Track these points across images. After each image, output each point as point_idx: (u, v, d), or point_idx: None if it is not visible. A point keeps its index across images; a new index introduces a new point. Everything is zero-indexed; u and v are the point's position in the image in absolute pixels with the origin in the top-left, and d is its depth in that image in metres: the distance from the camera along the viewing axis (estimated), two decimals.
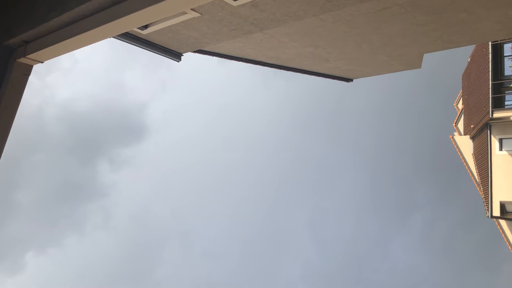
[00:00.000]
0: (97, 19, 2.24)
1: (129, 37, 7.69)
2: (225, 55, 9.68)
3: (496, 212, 20.06)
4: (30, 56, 2.64)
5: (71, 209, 71.00)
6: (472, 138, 23.62)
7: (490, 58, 20.44)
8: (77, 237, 69.94)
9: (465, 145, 24.37)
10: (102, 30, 2.25)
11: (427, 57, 10.29)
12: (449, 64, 53.91)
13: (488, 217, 20.41)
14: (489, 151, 20.50)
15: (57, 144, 67.83)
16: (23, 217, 65.48)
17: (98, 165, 72.61)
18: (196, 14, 6.72)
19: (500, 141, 20.47)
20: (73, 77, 73.27)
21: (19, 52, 2.66)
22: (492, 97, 19.95)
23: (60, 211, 69.97)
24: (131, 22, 2.14)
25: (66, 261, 68.92)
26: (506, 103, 20.55)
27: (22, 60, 2.67)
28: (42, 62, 2.70)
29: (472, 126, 23.01)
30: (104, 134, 72.79)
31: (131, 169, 75.34)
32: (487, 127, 20.86)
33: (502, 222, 21.60)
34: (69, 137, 69.20)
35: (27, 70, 2.69)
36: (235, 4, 6.28)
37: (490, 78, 20.22)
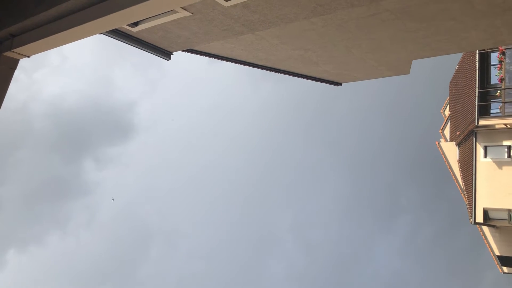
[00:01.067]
0: (86, 15, 2.22)
1: (119, 34, 7.63)
2: (215, 55, 9.67)
3: (479, 218, 20.34)
4: (16, 50, 2.60)
5: (54, 206, 70.11)
6: (458, 144, 23.92)
7: (477, 66, 20.73)
8: (60, 235, 69.11)
9: (451, 151, 24.67)
10: (90, 26, 2.22)
11: (416, 64, 10.41)
12: (437, 71, 54.57)
13: (471, 223, 20.67)
14: (474, 158, 20.78)
15: (42, 141, 66.96)
16: (5, 213, 64.45)
17: (83, 163, 71.91)
18: (187, 13, 6.70)
19: (485, 148, 20.76)
20: (61, 74, 72.49)
21: (5, 46, 2.62)
22: (478, 104, 20.23)
23: (43, 208, 69.06)
24: (120, 18, 2.12)
25: (48, 259, 68.04)
26: (492, 111, 20.86)
27: (8, 54, 2.63)
28: (29, 57, 2.66)
29: (458, 133, 23.31)
30: (90, 131, 72.09)
31: (116, 167, 74.75)
32: (472, 134, 21.14)
33: (485, 229, 21.90)
34: (55, 133, 68.38)
35: (13, 64, 2.65)
36: (226, 4, 6.27)
37: (477, 86, 20.50)
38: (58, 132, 68.65)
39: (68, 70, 72.90)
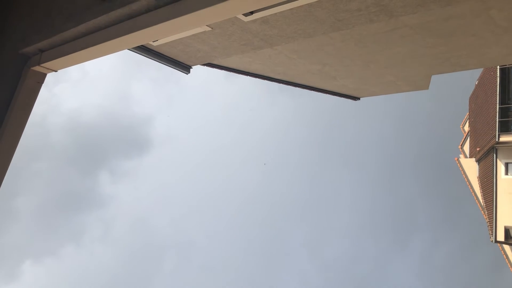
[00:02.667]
0: (113, 32, 2.28)
1: (140, 48, 7.77)
2: (233, 69, 9.76)
3: (501, 237, 19.85)
4: (44, 64, 2.68)
5: (69, 219, 70.77)
6: (478, 161, 23.50)
7: (498, 81, 20.45)
8: (75, 247, 69.57)
9: (471, 168, 24.23)
10: (117, 42, 2.29)
11: (435, 79, 10.33)
12: (456, 86, 53.96)
13: (492, 241, 20.18)
14: (494, 175, 20.37)
15: (59, 153, 67.94)
16: (21, 225, 65.24)
17: (99, 176, 72.67)
18: (207, 28, 6.80)
19: (506, 165, 20.35)
20: (80, 87, 73.84)
21: (33, 60, 2.71)
22: (499, 120, 19.90)
23: (59, 220, 69.72)
24: (146, 36, 2.18)
25: (63, 271, 68.35)
26: None
27: (37, 68, 2.71)
28: (56, 71, 2.74)
29: (478, 149, 22.92)
30: (107, 145, 72.99)
31: (132, 181, 75.32)
32: (493, 150, 20.76)
33: (506, 248, 21.35)
34: (72, 146, 69.37)
35: (41, 78, 2.73)
36: (246, 19, 6.35)
37: (498, 102, 20.19)
38: (75, 145, 69.69)
39: (87, 83, 74.31)
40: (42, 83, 2.74)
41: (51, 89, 67.96)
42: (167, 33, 2.10)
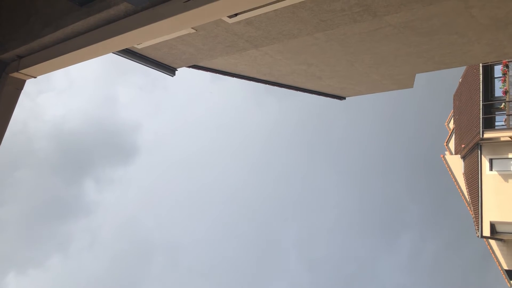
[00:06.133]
0: (92, 37, 2.23)
1: (123, 51, 7.70)
2: (219, 70, 9.74)
3: (486, 232, 20.13)
4: (23, 71, 2.62)
5: (54, 227, 69.55)
6: (463, 157, 23.80)
7: (481, 79, 20.75)
8: (61, 256, 68.39)
9: (456, 164, 24.54)
10: (96, 47, 2.24)
11: (419, 77, 10.43)
12: (440, 84, 54.61)
13: (478, 237, 20.46)
14: (479, 171, 20.66)
15: (43, 161, 66.78)
16: (4, 235, 63.83)
17: (84, 184, 71.70)
18: (191, 30, 6.77)
19: (491, 161, 20.65)
20: (65, 93, 72.89)
21: (12, 67, 2.64)
22: (482, 117, 20.18)
23: (44, 229, 68.44)
24: (126, 40, 2.14)
25: (48, 281, 66.94)
26: (497, 123, 20.80)
27: (15, 74, 2.65)
28: (35, 77, 2.68)
29: (463, 145, 23.21)
30: (92, 152, 72.05)
31: (118, 188, 74.56)
32: (477, 147, 21.05)
33: (492, 242, 21.65)
34: (57, 154, 68.29)
35: (20, 84, 2.67)
36: (230, 21, 6.33)
37: (481, 99, 20.48)
38: (60, 153, 68.64)
39: (71, 90, 73.39)
40: (21, 89, 2.68)
41: (34, 98, 66.89)
42: (148, 37, 2.06)
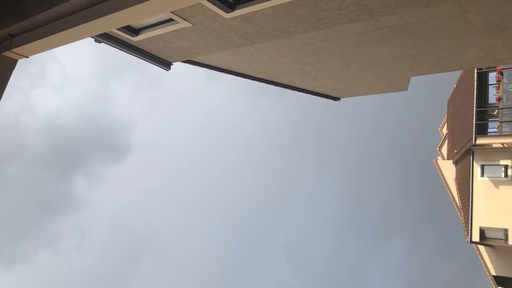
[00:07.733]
0: (84, 16, 2.22)
1: (119, 43, 7.67)
2: (214, 67, 9.72)
3: (476, 237, 20.26)
4: (15, 50, 2.60)
5: (44, 223, 68.92)
6: (455, 163, 23.94)
7: (475, 85, 20.88)
8: (48, 252, 67.73)
9: (448, 169, 24.68)
10: (89, 26, 2.23)
11: (414, 80, 10.48)
12: (435, 88, 54.89)
13: (467, 242, 20.58)
14: (471, 176, 20.79)
15: (35, 156, 66.12)
16: None
17: (75, 180, 71.16)
18: (187, 24, 6.75)
19: (482, 167, 20.78)
20: (59, 89, 72.36)
21: (4, 46, 2.62)
22: (476, 123, 20.31)
23: (32, 225, 67.76)
24: (117, 20, 2.13)
25: (35, 277, 66.19)
26: (489, 130, 20.94)
27: (7, 53, 2.62)
28: (27, 57, 2.66)
29: (455, 151, 23.35)
30: (84, 149, 71.53)
31: (109, 186, 74.11)
32: (470, 153, 21.18)
33: (481, 248, 21.79)
34: (48, 149, 67.67)
35: (12, 64, 2.65)
36: (227, 16, 6.33)
37: (475, 105, 20.62)
38: (52, 148, 68.04)
39: (65, 86, 72.88)
40: (13, 69, 2.65)
41: (27, 93, 66.30)
42: (138, 17, 2.05)
